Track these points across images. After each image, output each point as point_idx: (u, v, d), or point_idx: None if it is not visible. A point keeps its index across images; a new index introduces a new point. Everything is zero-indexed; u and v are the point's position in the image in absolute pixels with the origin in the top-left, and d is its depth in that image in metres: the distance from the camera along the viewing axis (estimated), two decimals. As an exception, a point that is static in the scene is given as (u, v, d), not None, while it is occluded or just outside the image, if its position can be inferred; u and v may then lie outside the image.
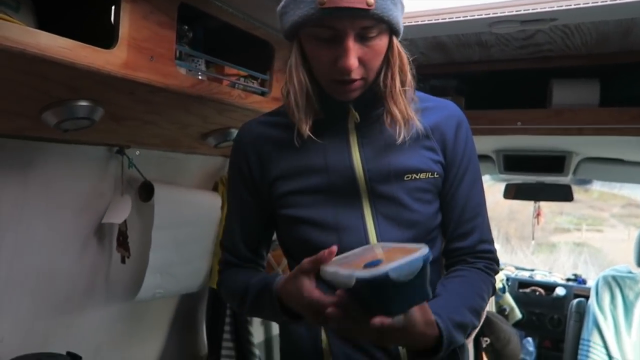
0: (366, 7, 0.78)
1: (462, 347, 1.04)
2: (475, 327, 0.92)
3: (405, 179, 0.93)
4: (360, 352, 0.93)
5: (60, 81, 0.90)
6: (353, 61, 0.82)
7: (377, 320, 0.69)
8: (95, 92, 0.99)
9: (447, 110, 1.00)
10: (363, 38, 0.83)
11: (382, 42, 0.85)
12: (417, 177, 0.94)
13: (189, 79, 1.08)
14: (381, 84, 0.89)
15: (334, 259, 0.79)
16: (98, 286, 1.45)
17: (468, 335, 0.93)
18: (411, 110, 0.91)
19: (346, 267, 0.74)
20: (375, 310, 0.70)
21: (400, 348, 0.93)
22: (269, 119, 1.02)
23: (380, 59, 0.87)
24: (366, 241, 0.91)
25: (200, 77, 1.17)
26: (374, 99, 0.92)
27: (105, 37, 0.91)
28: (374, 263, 0.70)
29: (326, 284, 0.77)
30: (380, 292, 0.68)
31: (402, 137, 0.90)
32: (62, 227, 1.32)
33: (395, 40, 0.88)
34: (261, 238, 1.05)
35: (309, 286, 0.79)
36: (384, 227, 0.92)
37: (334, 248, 0.79)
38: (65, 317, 1.37)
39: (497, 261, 1.01)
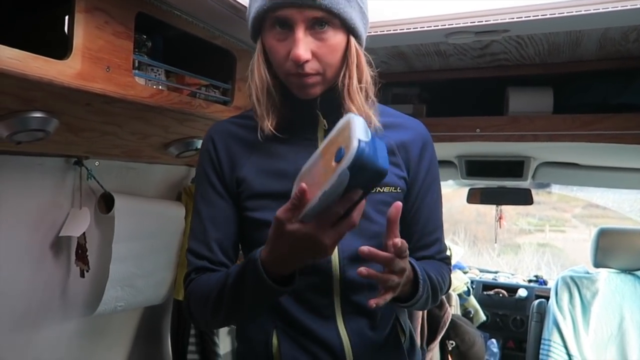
0: None
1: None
2: (437, 299, 0.99)
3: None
4: (307, 354, 0.94)
5: (12, 92, 0.88)
6: (303, 52, 0.84)
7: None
8: (49, 103, 0.96)
9: (414, 130, 1.04)
10: (315, 31, 0.85)
11: (336, 39, 0.87)
12: (382, 190, 0.97)
13: (147, 89, 1.07)
14: (339, 83, 0.91)
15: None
16: (55, 301, 1.40)
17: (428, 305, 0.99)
18: (368, 108, 0.93)
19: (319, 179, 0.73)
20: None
21: (345, 346, 0.94)
22: (238, 120, 1.03)
23: (336, 57, 0.89)
24: None
25: (160, 87, 1.16)
26: (339, 106, 0.94)
27: (59, 47, 0.89)
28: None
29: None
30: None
31: None
32: (17, 241, 1.28)
33: (354, 41, 0.90)
34: (235, 239, 0.99)
35: (303, 225, 0.75)
36: (346, 236, 0.93)
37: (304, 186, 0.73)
38: (22, 335, 1.32)
39: (450, 263, 1.12)
